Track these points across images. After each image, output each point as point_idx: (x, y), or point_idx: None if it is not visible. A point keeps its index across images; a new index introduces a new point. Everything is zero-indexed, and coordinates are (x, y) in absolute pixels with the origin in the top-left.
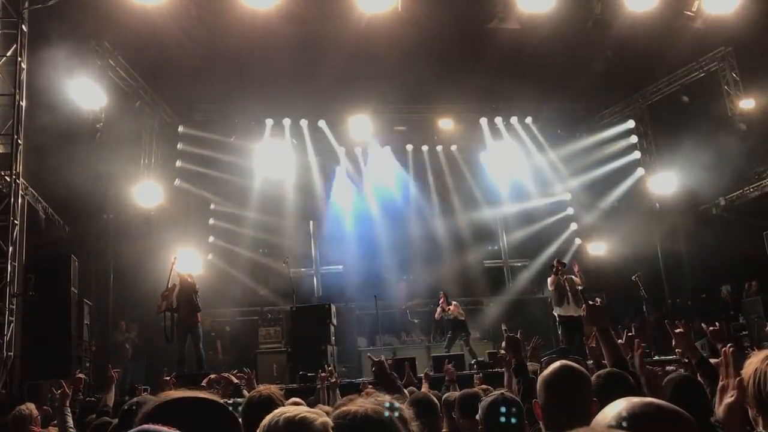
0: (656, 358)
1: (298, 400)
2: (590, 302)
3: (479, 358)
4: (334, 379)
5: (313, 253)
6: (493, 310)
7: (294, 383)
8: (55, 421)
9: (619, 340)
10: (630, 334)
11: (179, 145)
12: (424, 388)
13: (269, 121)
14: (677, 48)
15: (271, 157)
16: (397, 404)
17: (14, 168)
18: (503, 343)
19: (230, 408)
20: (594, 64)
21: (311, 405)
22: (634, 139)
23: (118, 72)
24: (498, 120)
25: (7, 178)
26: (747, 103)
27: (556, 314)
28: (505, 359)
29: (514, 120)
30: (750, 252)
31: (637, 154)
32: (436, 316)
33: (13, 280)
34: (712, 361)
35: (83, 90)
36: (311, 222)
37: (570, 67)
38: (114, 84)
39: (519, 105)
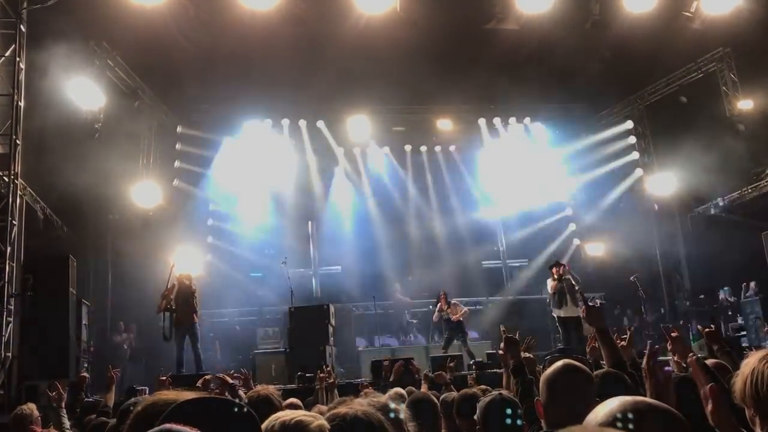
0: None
1: (295, 400)
2: (589, 303)
3: (477, 359)
4: (332, 380)
5: (312, 253)
6: (491, 311)
7: (293, 384)
8: (51, 424)
9: (622, 343)
10: (625, 337)
11: (178, 146)
12: (423, 388)
13: (268, 122)
14: (676, 49)
15: (270, 157)
16: (393, 405)
17: (13, 168)
18: (501, 344)
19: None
20: (592, 64)
21: (310, 405)
22: (632, 139)
23: (116, 72)
24: (496, 120)
25: (6, 179)
26: (745, 104)
27: (555, 315)
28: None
29: (512, 120)
30: (748, 252)
31: (635, 155)
32: (434, 318)
33: (11, 281)
34: (709, 361)
35: (82, 90)
36: (310, 222)
37: (568, 67)
38: (112, 84)
39: (518, 105)
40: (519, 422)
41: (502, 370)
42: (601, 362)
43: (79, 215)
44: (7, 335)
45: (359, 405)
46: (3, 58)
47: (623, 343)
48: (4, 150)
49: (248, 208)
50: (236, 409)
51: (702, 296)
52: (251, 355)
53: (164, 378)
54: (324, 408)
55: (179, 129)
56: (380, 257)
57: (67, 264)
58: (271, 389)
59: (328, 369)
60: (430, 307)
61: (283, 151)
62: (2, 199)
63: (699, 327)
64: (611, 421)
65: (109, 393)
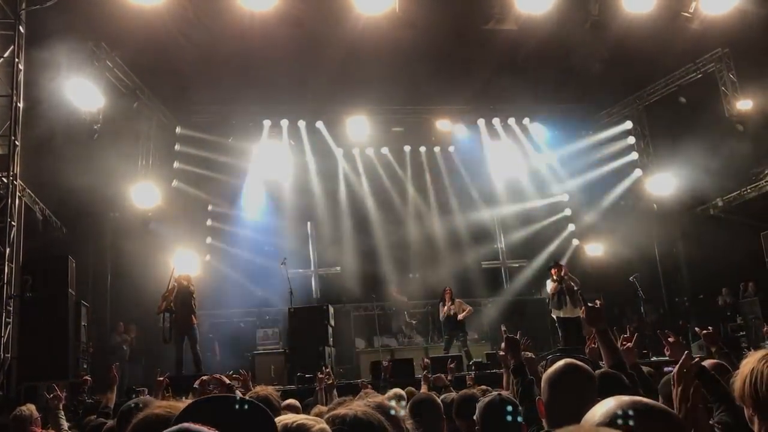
0: (654, 359)
1: (293, 401)
2: (589, 304)
3: (476, 359)
4: (330, 381)
5: (311, 254)
6: (491, 311)
7: (292, 384)
8: (49, 425)
9: (627, 344)
10: (626, 335)
11: (177, 146)
12: (423, 389)
13: (267, 123)
14: (674, 49)
15: (269, 158)
16: (393, 403)
17: (12, 169)
18: (502, 344)
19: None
20: (591, 65)
21: (310, 406)
22: (631, 140)
23: (115, 73)
24: (496, 121)
25: (5, 180)
26: (744, 104)
27: (554, 316)
28: (504, 360)
29: (511, 121)
30: (748, 253)
31: (634, 155)
32: (443, 314)
33: (10, 282)
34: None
35: (80, 91)
36: (309, 223)
37: (567, 68)
38: (111, 85)
39: (517, 106)
40: (518, 422)
41: (501, 371)
42: (600, 362)
43: (78, 216)
44: (6, 336)
45: (358, 406)
46: (2, 59)
47: (628, 344)
48: (3, 151)
49: (247, 208)
50: (251, 407)
51: (701, 296)
52: (250, 356)
53: (162, 378)
54: (324, 408)
55: (178, 130)
56: (379, 258)
57: (66, 265)
58: (270, 390)
59: (328, 370)
60: (429, 307)
61: (282, 151)
62: (1, 200)
63: (697, 329)
64: (609, 421)
65: (110, 393)
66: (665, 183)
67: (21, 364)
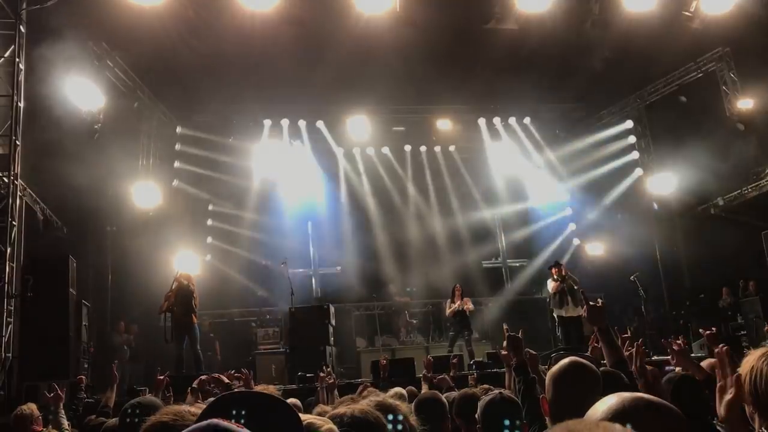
0: (654, 358)
1: (295, 401)
2: (591, 303)
3: (477, 359)
4: (331, 380)
5: (312, 253)
6: (491, 311)
7: (293, 384)
8: (50, 426)
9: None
10: (626, 335)
11: (177, 146)
12: (424, 388)
13: (267, 122)
14: (675, 48)
15: (270, 157)
16: (396, 402)
17: (12, 169)
18: (504, 343)
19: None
20: (592, 64)
21: (311, 405)
22: (632, 139)
23: (116, 72)
24: (496, 120)
25: (6, 179)
26: (745, 103)
27: (556, 315)
28: (506, 358)
29: (512, 120)
30: (748, 252)
31: (635, 155)
32: (449, 311)
33: (11, 281)
34: (707, 362)
35: (81, 90)
36: (309, 223)
37: (568, 67)
38: (112, 85)
39: (517, 105)
40: (519, 422)
41: (502, 370)
42: (602, 361)
43: (79, 216)
44: (7, 336)
45: (359, 404)
46: (2, 59)
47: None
48: (4, 151)
49: (248, 208)
50: (278, 404)
51: (702, 295)
52: (251, 356)
53: (162, 378)
54: (327, 408)
55: (179, 129)
56: (380, 257)
57: (66, 264)
58: (272, 389)
59: (329, 369)
60: (430, 307)
61: (283, 151)
62: (2, 200)
63: (701, 330)
64: (610, 417)
65: (110, 392)
66: (666, 182)
67: (22, 364)
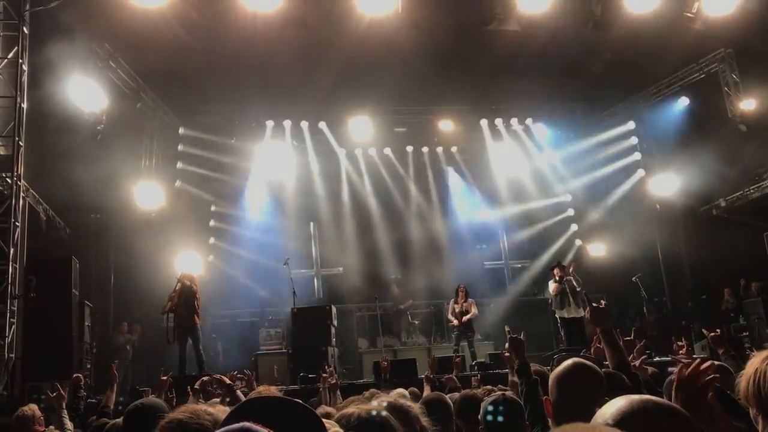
0: (656, 359)
1: (296, 399)
2: (594, 304)
3: (479, 359)
4: (333, 381)
5: (314, 254)
6: (493, 311)
7: (295, 384)
8: (52, 426)
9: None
10: (628, 338)
11: (180, 147)
12: (426, 390)
13: (270, 123)
14: (677, 49)
15: (272, 158)
16: (408, 403)
17: (15, 170)
18: (506, 344)
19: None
20: (594, 65)
21: (313, 406)
22: (634, 140)
23: (118, 74)
24: (498, 121)
25: (8, 180)
26: (747, 104)
27: (558, 317)
28: (508, 360)
29: (514, 121)
30: (751, 253)
31: (637, 156)
32: (449, 314)
33: (14, 282)
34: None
35: (84, 92)
36: (312, 223)
37: (570, 68)
38: (115, 86)
39: (519, 106)
40: (515, 422)
41: (504, 371)
42: (604, 362)
43: (82, 217)
44: (10, 336)
45: (367, 405)
46: (6, 60)
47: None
48: (7, 152)
49: (250, 209)
50: (302, 410)
51: (704, 297)
52: (253, 356)
53: (165, 378)
54: (329, 409)
55: (181, 130)
56: (382, 258)
57: (69, 265)
58: (274, 390)
59: (330, 369)
60: (432, 307)
61: (285, 152)
62: (5, 201)
63: (704, 331)
64: (619, 420)
65: (110, 393)
66: (668, 183)
67: (25, 365)
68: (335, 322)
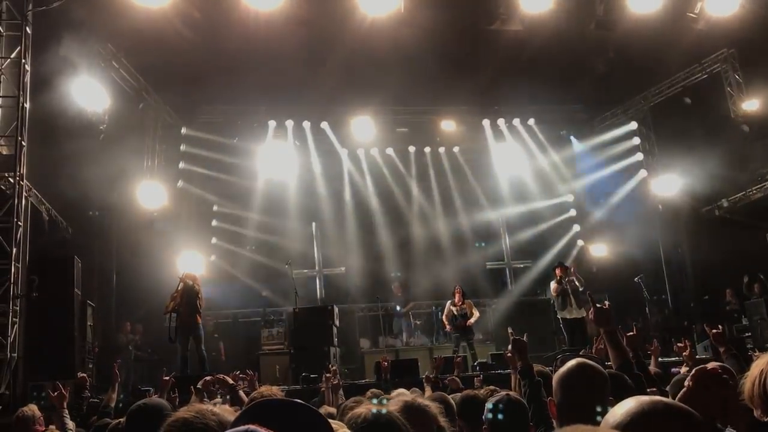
0: (660, 359)
1: (303, 402)
2: (598, 305)
3: (481, 360)
4: (336, 381)
5: (316, 254)
6: (495, 312)
7: (296, 385)
8: (53, 426)
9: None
10: (631, 333)
11: (182, 147)
12: (427, 391)
13: (272, 123)
14: (680, 49)
15: (274, 158)
16: (426, 402)
17: (18, 169)
18: (509, 346)
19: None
20: (596, 65)
21: (316, 406)
22: (636, 140)
23: (121, 74)
24: (500, 121)
25: (11, 180)
26: (750, 105)
27: (560, 317)
28: (511, 361)
29: (516, 121)
30: (753, 254)
31: (639, 156)
32: (445, 316)
33: (16, 282)
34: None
35: (87, 91)
36: (314, 223)
37: (572, 68)
38: (117, 86)
39: (521, 106)
40: (521, 423)
41: (506, 371)
42: (606, 363)
43: (84, 216)
44: (12, 336)
45: (375, 405)
46: (9, 60)
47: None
48: (10, 151)
49: (252, 209)
50: (310, 412)
51: (706, 297)
52: (255, 356)
53: (167, 378)
54: (330, 409)
55: (184, 130)
56: (384, 258)
57: (71, 265)
58: (275, 390)
59: (334, 368)
60: (434, 308)
61: (287, 152)
62: (7, 201)
63: (706, 327)
64: (629, 421)
65: (111, 392)
66: (670, 183)
67: (27, 364)
68: (337, 322)
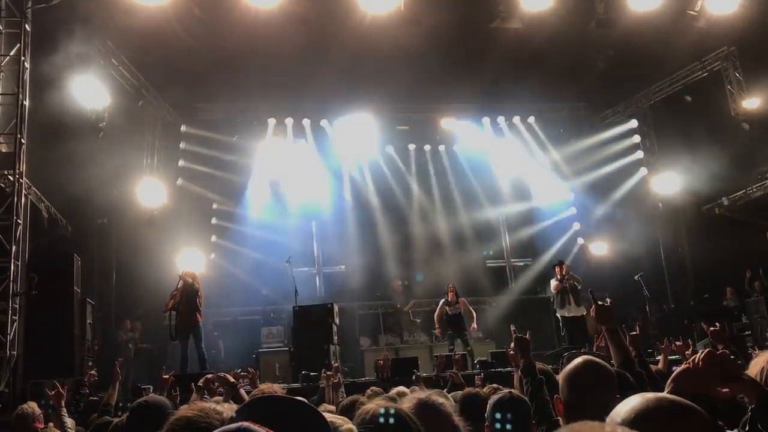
0: (659, 357)
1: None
2: (599, 302)
3: (481, 358)
4: (337, 379)
5: (316, 252)
6: (495, 310)
7: (296, 383)
8: (51, 424)
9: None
10: (634, 333)
11: (182, 145)
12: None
13: (272, 121)
14: (680, 47)
15: (274, 156)
16: (440, 400)
17: (17, 167)
18: (512, 344)
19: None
20: (597, 63)
21: (315, 404)
22: (636, 138)
23: (120, 71)
24: (500, 119)
25: (11, 177)
26: (750, 103)
27: (559, 315)
28: (514, 359)
29: (516, 119)
30: (753, 252)
31: (639, 154)
32: (437, 314)
33: (16, 279)
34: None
35: (86, 89)
36: (313, 221)
37: (573, 66)
38: (117, 83)
39: (521, 104)
40: (522, 421)
41: (506, 369)
42: (609, 362)
43: (84, 214)
44: (11, 334)
45: (385, 402)
46: (8, 58)
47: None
48: (9, 149)
49: (252, 207)
50: (307, 410)
51: (706, 296)
52: (255, 354)
53: (167, 376)
54: (330, 407)
55: (183, 128)
56: (384, 256)
57: (71, 263)
58: (276, 388)
59: (336, 365)
60: (434, 306)
61: (287, 149)
62: (7, 198)
63: (704, 325)
64: (634, 418)
65: (112, 390)
66: (670, 182)
67: (27, 362)
68: (337, 320)
